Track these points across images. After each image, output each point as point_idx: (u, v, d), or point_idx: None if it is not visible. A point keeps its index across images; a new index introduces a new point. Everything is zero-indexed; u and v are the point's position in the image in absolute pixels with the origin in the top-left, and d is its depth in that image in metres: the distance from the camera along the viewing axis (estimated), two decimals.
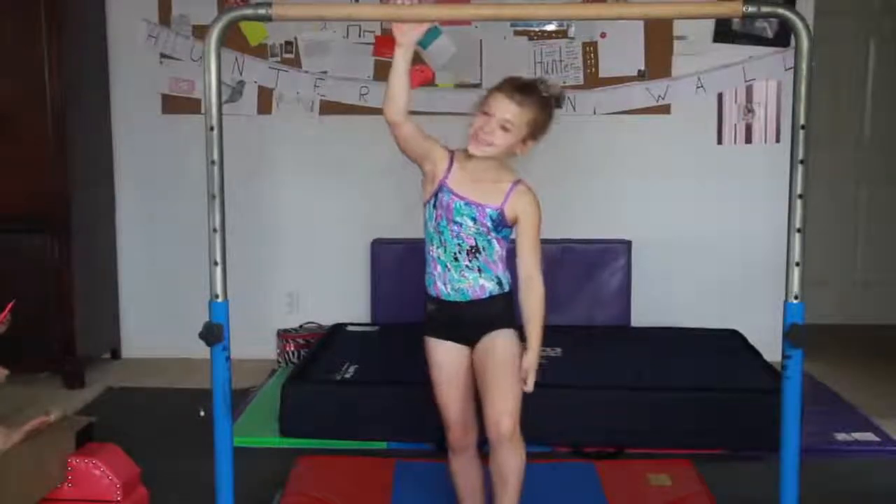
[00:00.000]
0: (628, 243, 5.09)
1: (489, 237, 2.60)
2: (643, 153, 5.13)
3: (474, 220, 2.58)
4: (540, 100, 2.59)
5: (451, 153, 2.63)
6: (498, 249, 2.63)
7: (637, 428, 3.78)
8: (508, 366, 2.58)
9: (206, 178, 2.35)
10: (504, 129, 2.55)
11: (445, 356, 2.68)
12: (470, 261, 2.60)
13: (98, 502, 2.83)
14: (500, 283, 2.63)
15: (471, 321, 2.63)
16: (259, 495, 3.11)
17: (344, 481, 3.24)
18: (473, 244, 2.59)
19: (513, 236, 2.65)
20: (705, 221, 5.15)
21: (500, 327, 2.62)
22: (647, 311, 5.09)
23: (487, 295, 2.62)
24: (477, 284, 2.61)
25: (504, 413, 2.51)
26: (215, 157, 2.36)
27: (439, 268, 2.63)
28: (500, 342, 2.61)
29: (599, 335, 4.79)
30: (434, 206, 2.61)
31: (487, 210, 2.58)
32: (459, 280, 2.61)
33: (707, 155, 5.12)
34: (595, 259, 5.08)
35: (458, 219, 2.59)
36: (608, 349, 4.52)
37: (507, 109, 2.54)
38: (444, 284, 2.62)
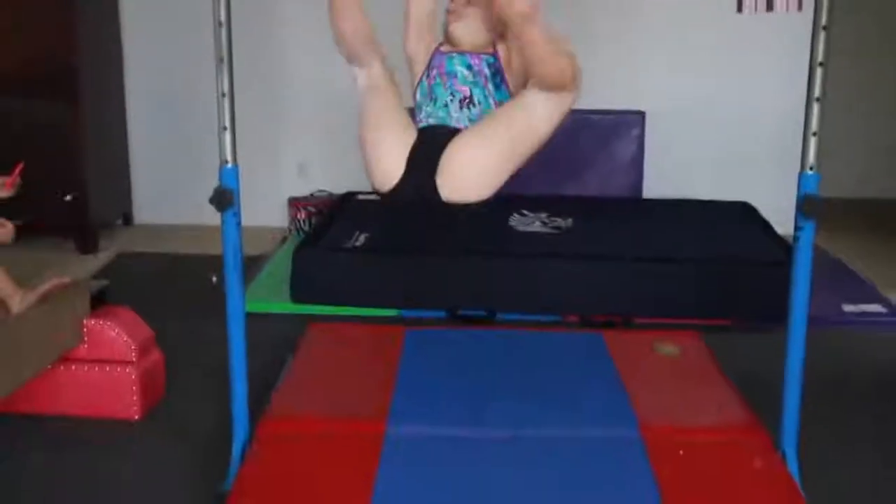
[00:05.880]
0: (642, 114, 5.03)
1: (486, 92, 2.38)
2: (659, 21, 5.01)
3: (469, 67, 2.39)
4: None
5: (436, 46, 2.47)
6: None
7: (645, 298, 3.80)
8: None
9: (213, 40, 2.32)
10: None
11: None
12: (460, 110, 2.35)
13: (114, 363, 2.89)
14: None
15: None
16: (271, 359, 3.16)
17: (353, 348, 3.28)
18: (468, 94, 2.36)
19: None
20: (722, 92, 5.06)
21: None
22: (659, 183, 5.06)
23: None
24: (461, 125, 2.33)
25: None
26: (223, 17, 2.32)
27: (424, 122, 2.39)
28: None
29: (611, 206, 4.77)
30: (427, 76, 2.44)
31: (483, 56, 2.40)
32: (445, 119, 2.35)
33: (726, 23, 4.99)
34: (608, 130, 5.02)
35: (450, 69, 2.39)
36: (619, 220, 4.51)
37: None
38: (427, 117, 2.39)
